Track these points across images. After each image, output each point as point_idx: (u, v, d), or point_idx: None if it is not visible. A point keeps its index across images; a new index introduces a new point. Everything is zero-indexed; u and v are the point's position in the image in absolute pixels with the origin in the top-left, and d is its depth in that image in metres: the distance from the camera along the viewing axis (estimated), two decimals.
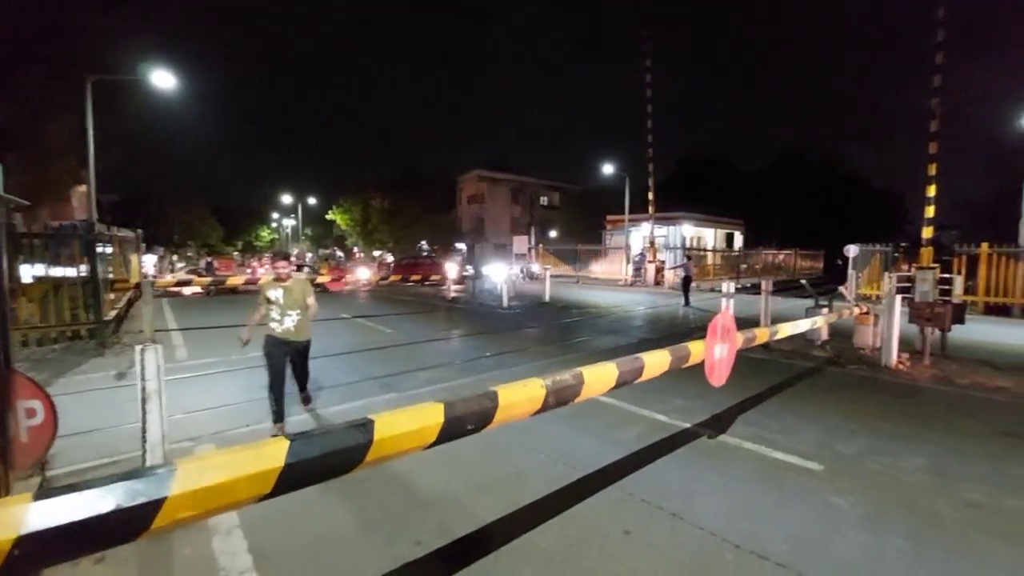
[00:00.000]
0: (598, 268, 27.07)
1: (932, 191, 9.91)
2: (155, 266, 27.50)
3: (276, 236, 63.74)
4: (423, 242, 42.32)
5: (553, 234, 39.34)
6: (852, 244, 17.01)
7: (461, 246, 41.32)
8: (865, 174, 49.12)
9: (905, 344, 7.33)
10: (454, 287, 17.59)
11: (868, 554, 2.71)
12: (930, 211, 10.03)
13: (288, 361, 4.55)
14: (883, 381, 6.37)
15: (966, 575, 2.55)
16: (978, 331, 9.48)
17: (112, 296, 10.78)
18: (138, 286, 10.20)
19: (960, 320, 7.28)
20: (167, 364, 3.55)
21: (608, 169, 26.70)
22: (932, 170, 9.65)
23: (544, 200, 48.48)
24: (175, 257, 42.74)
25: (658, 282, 22.19)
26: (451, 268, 19.88)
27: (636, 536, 2.87)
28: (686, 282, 15.73)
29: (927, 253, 13.65)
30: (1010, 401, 5.52)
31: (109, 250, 11.47)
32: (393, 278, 17.46)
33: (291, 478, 1.43)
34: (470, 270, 22.37)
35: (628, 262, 24.75)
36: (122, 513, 1.16)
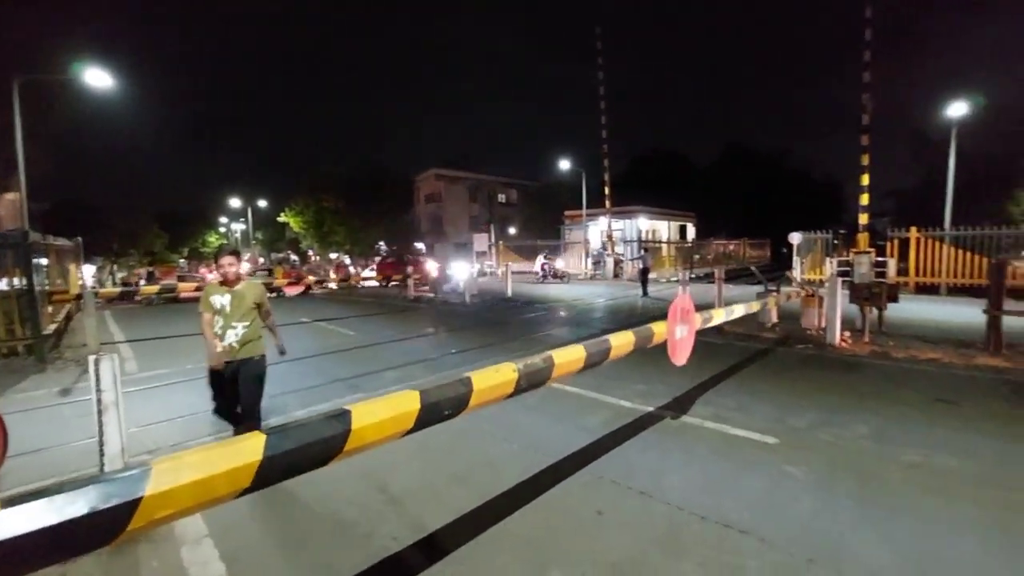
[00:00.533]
0: (558, 263, 27.43)
1: (866, 180, 10.66)
2: (94, 276, 25.84)
3: (225, 241, 61.17)
4: (381, 243, 41.60)
5: (512, 231, 39.51)
6: (796, 232, 17.96)
7: (420, 246, 40.90)
8: (807, 166, 51.77)
9: (847, 323, 7.83)
10: (418, 286, 17.41)
11: (820, 515, 2.91)
12: (864, 199, 10.78)
13: (234, 383, 3.62)
14: (828, 358, 6.79)
15: (906, 529, 2.78)
16: (911, 309, 10.22)
17: (50, 309, 10.11)
18: (79, 298, 9.59)
19: (894, 299, 7.84)
20: None
21: (565, 165, 27.06)
22: (865, 160, 10.37)
23: (502, 197, 48.58)
24: (115, 267, 40.31)
25: (616, 275, 22.71)
26: (432, 266, 20.58)
27: (608, 516, 2.98)
28: (644, 273, 16.01)
29: (863, 239, 14.58)
30: (940, 371, 6.00)
31: (45, 261, 10.74)
32: (377, 277, 17.39)
33: (270, 471, 1.43)
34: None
35: (587, 256, 25.19)
36: (96, 516, 1.14)
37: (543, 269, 22.56)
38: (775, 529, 2.77)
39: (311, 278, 20.33)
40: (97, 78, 10.35)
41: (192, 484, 1.29)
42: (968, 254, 14.01)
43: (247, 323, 3.62)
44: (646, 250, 17.85)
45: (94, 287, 20.53)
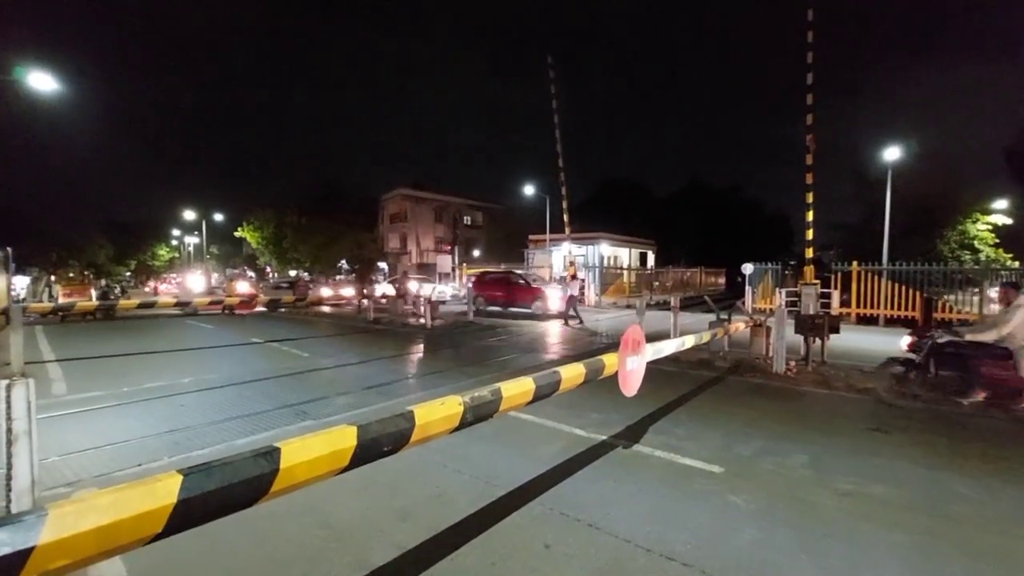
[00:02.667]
0: None
1: (810, 216, 11.34)
2: (27, 289, 24.14)
3: (176, 255, 58.63)
4: (343, 261, 40.84)
5: (476, 253, 39.58)
6: (748, 263, 18.77)
7: (383, 265, 40.38)
8: (760, 198, 54.61)
9: (793, 352, 8.16)
10: (373, 307, 17.05)
11: (760, 545, 2.98)
12: (809, 234, 11.42)
13: None
14: (774, 387, 7.03)
15: (839, 555, 2.88)
16: (852, 339, 10.78)
17: None
18: (5, 312, 8.93)
19: (836, 330, 8.24)
20: (42, 400, 3.13)
21: (530, 190, 27.49)
22: (809, 198, 11.06)
23: (468, 219, 48.79)
24: (52, 279, 37.86)
25: (580, 300, 22.99)
26: (552, 293, 17.18)
27: (555, 548, 2.95)
28: (570, 301, 15.18)
29: (809, 271, 15.34)
30: (874, 401, 6.31)
31: None
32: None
33: (185, 514, 1.35)
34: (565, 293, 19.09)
35: (551, 280, 25.43)
36: None
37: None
38: (716, 561, 2.80)
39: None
40: (41, 81, 9.88)
41: (95, 530, 1.20)
42: (903, 288, 14.96)
43: None
44: (573, 277, 16.83)
45: (25, 299, 19.20)
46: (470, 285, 19.64)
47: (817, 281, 12.13)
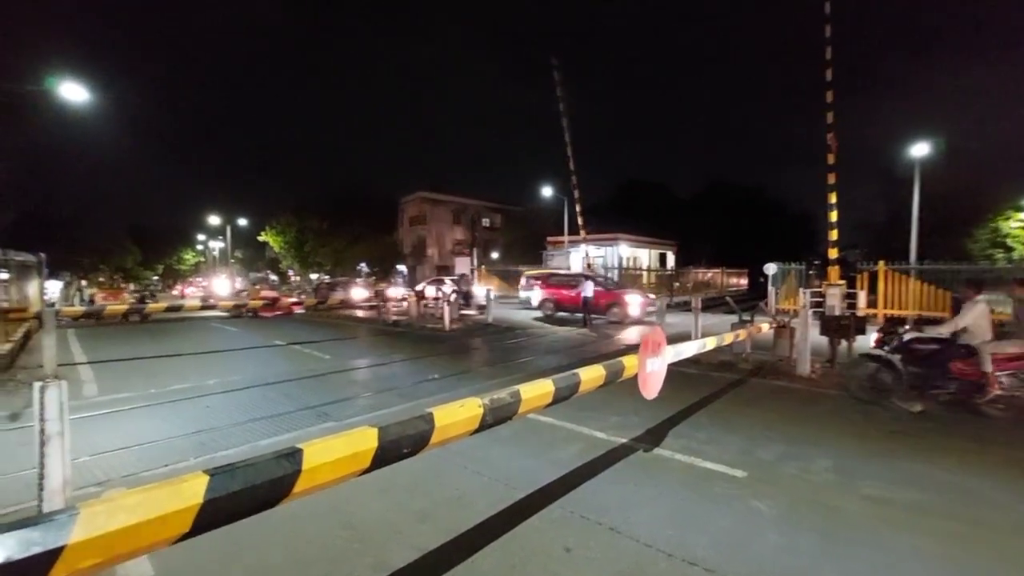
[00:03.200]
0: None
1: (834, 217, 11.09)
2: (59, 293, 25.00)
3: (202, 259, 60.04)
4: (363, 264, 41.30)
5: (495, 255, 39.66)
6: (771, 263, 18.42)
7: (402, 268, 40.72)
8: (784, 198, 53.54)
9: (818, 354, 7.97)
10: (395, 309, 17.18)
11: (784, 551, 2.91)
12: (834, 235, 11.16)
13: None
14: (797, 390, 6.88)
15: (865, 561, 2.80)
16: None
17: (6, 327, 9.72)
18: (39, 316, 9.26)
19: (862, 331, 8.03)
20: (74, 401, 3.24)
21: (547, 191, 27.44)
22: (832, 199, 10.81)
23: (486, 221, 48.87)
24: (84, 283, 39.13)
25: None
26: (633, 299, 15.53)
27: (576, 552, 2.92)
28: (585, 303, 14.42)
29: (834, 271, 15.01)
30: (899, 404, 6.12)
31: (5, 276, 10.37)
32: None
33: (212, 515, 1.37)
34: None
35: None
36: (12, 566, 1.07)
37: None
38: (739, 566, 2.75)
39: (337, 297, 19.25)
40: (73, 92, 10.22)
41: (124, 530, 1.23)
42: (932, 288, 14.50)
43: None
44: (587, 278, 15.96)
45: (58, 303, 19.87)
46: (535, 287, 18.05)
47: (843, 281, 11.86)
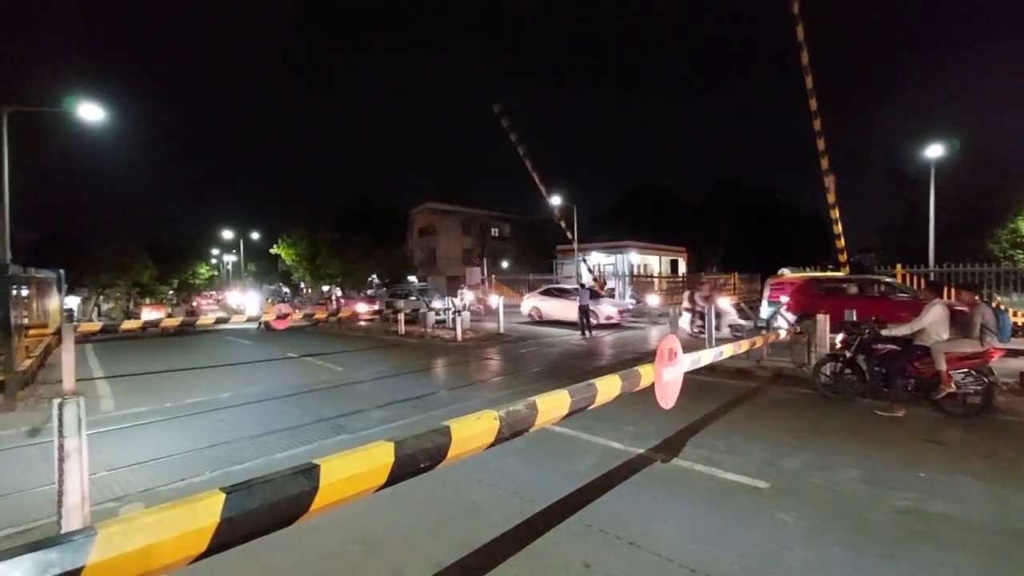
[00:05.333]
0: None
1: (838, 227, 10.92)
2: (78, 308, 25.44)
3: (215, 273, 60.83)
4: (374, 276, 41.55)
5: (505, 265, 39.69)
6: (785, 268, 18.18)
7: (412, 279, 40.87)
8: (796, 202, 53.01)
9: None
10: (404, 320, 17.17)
11: (813, 566, 2.81)
12: (840, 241, 10.99)
13: None
14: (818, 397, 6.72)
15: None
16: None
17: (27, 343, 9.88)
18: (58, 331, 9.39)
19: None
20: (91, 416, 3.25)
21: (556, 200, 27.44)
22: (831, 198, 10.68)
23: (495, 231, 49.03)
24: (101, 298, 39.80)
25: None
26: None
27: (596, 568, 2.85)
28: (583, 312, 14.38)
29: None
30: (927, 411, 5.95)
31: (25, 292, 10.56)
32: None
33: (229, 534, 1.35)
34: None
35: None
36: None
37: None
38: None
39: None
40: (90, 112, 10.44)
41: (141, 550, 1.20)
42: (953, 291, 14.18)
43: None
44: (583, 286, 16.14)
45: (78, 320, 20.20)
46: (783, 300, 12.23)
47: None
